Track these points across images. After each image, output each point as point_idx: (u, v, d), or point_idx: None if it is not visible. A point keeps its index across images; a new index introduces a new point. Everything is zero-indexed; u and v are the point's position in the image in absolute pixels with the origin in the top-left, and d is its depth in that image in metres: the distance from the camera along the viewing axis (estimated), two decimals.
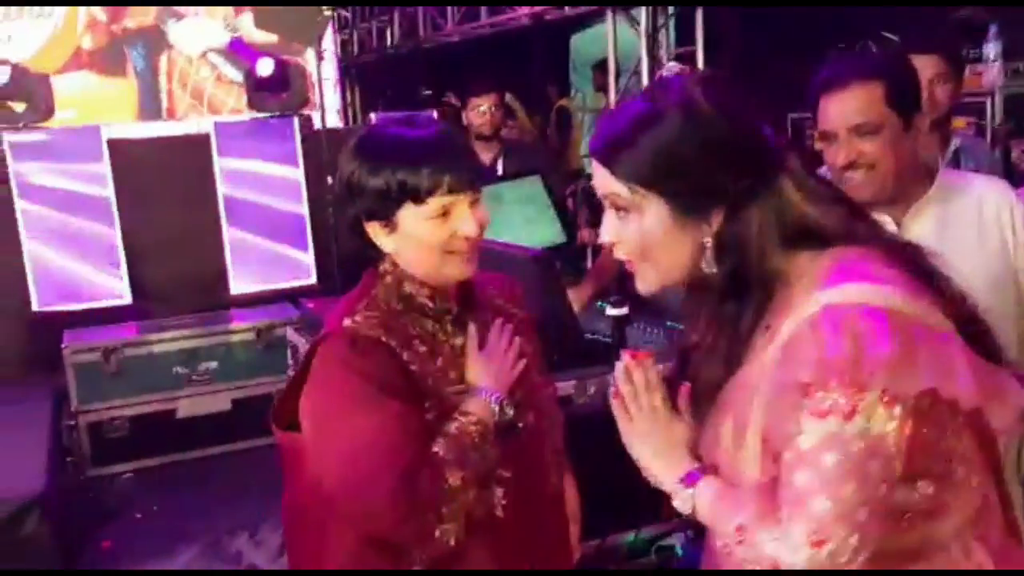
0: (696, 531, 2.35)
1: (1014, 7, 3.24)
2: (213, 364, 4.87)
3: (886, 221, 1.88)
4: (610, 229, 1.24)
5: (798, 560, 1.07)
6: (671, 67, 3.12)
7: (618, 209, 1.22)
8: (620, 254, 1.25)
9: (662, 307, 2.84)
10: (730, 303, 1.22)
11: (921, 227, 1.92)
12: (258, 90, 5.70)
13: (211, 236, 5.39)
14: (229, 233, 5.43)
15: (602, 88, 7.12)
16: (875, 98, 1.85)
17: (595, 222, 3.73)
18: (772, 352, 1.13)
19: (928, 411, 1.07)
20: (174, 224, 5.29)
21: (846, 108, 1.86)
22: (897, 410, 1.04)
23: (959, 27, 3.41)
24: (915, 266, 1.16)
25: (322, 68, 6.32)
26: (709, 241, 1.20)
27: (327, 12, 5.19)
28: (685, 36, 5.18)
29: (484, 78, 4.25)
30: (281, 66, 5.68)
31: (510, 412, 1.57)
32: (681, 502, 1.25)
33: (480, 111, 4.14)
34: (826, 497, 1.05)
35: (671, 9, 5.20)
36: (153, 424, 4.66)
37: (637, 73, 5.19)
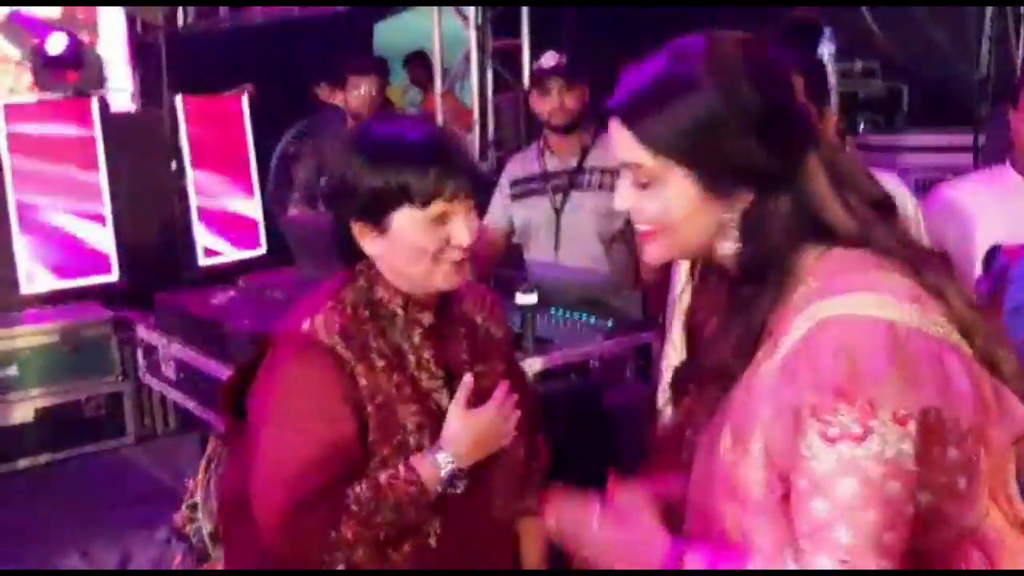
0: None
1: (842, 7, 3.54)
2: (11, 371, 4.38)
3: None
4: (626, 196, 1.17)
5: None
6: (550, 55, 3.12)
7: (638, 180, 1.15)
8: (637, 222, 1.19)
9: (570, 296, 2.88)
10: (747, 288, 1.16)
11: None
12: (47, 68, 5.19)
13: None
14: (20, 227, 4.90)
15: (417, 82, 7.07)
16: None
17: None
18: (770, 367, 1.09)
19: (934, 426, 1.04)
20: None
21: None
22: (911, 427, 1.01)
23: (793, 28, 3.66)
24: (924, 273, 1.12)
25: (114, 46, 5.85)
26: (733, 220, 1.14)
27: None
28: (510, 29, 5.23)
29: (361, 59, 4.09)
30: (74, 42, 5.21)
31: (460, 488, 1.49)
32: None
33: (358, 93, 3.97)
34: (847, 527, 1.01)
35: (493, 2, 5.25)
36: None
37: (466, 66, 5.20)
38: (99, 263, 5.18)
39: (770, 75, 1.13)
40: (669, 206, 1.14)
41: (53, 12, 6.08)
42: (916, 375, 1.02)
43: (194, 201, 5.23)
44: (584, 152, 3.15)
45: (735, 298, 1.19)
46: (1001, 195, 2.33)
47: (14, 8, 5.80)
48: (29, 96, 5.60)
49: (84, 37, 5.85)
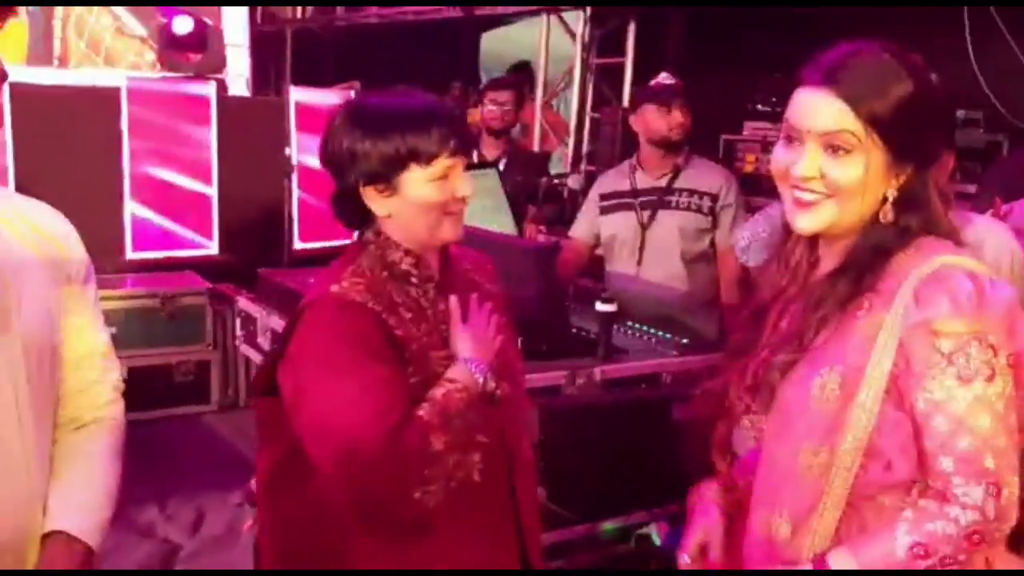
0: (673, 522, 2.45)
1: (950, 56, 3.55)
2: (111, 330, 4.62)
3: None
4: (813, 165, 1.29)
5: (990, 511, 1.20)
6: (666, 76, 3.22)
7: (835, 148, 1.28)
8: (817, 187, 1.30)
9: (647, 311, 2.95)
10: (863, 251, 1.32)
11: None
12: (171, 48, 5.46)
13: (111, 197, 5.12)
14: (130, 195, 5.18)
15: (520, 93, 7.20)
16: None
17: (541, 219, 3.81)
18: (899, 301, 1.25)
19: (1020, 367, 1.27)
20: (72, 180, 4.98)
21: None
22: (1012, 371, 1.24)
23: None
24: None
25: (234, 32, 6.13)
26: (893, 194, 1.31)
27: None
28: (615, 48, 5.32)
29: (503, 76, 4.25)
30: (199, 26, 5.47)
31: (492, 383, 1.61)
32: None
33: (493, 107, 4.13)
34: (992, 455, 1.20)
35: (602, 21, 5.34)
36: None
37: (569, 80, 5.31)
38: (201, 237, 5.44)
39: (936, 79, 1.34)
40: (860, 173, 1.28)
41: None
42: (1016, 325, 1.25)
43: (296, 189, 5.45)
44: (676, 172, 3.22)
45: (849, 262, 1.33)
46: None
47: None
48: (151, 73, 5.91)
49: (208, 21, 6.13)
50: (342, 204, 1.65)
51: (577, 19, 5.17)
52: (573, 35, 5.19)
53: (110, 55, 6.45)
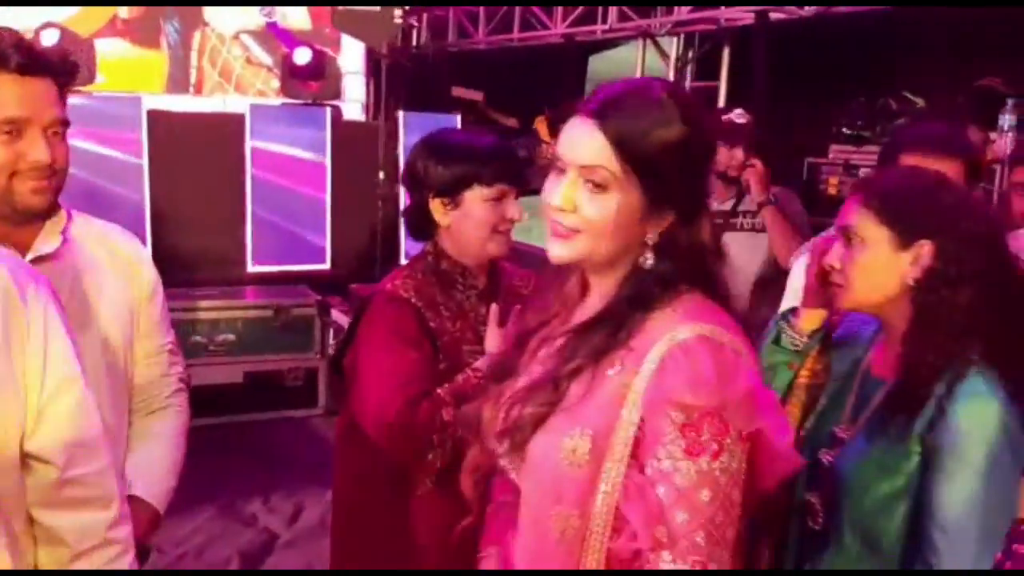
0: None
1: None
2: (230, 336, 5.05)
3: None
4: (568, 196, 1.23)
5: None
6: (739, 113, 3.35)
7: (593, 182, 1.22)
8: (568, 221, 1.24)
9: None
10: (624, 302, 1.26)
11: None
12: (292, 77, 5.89)
13: (235, 214, 5.58)
14: (252, 213, 5.62)
15: None
16: (958, 175, 2.05)
17: None
18: (646, 366, 1.20)
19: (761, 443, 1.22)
20: (200, 198, 5.47)
21: None
22: (745, 447, 1.19)
23: (978, 96, 3.68)
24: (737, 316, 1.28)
25: (351, 61, 6.54)
26: (654, 239, 1.25)
27: (398, 19, 5.39)
28: (710, 71, 5.44)
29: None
30: (317, 56, 5.87)
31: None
32: None
33: None
34: (704, 533, 1.17)
35: (698, 43, 5.47)
36: None
37: None
38: (314, 253, 5.84)
39: (709, 126, 1.30)
40: (614, 211, 1.21)
41: (304, 25, 6.88)
42: (759, 402, 1.21)
43: (403, 207, 5.77)
44: (740, 197, 3.35)
45: (607, 311, 1.28)
46: None
47: (270, 18, 6.62)
48: (274, 99, 6.38)
49: (328, 51, 6.56)
50: (413, 215, 1.99)
51: (671, 43, 5.32)
52: (667, 58, 5.33)
53: (240, 83, 6.98)
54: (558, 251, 1.25)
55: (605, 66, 7.72)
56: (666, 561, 1.18)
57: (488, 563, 1.44)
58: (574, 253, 1.25)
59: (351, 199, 5.83)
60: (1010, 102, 3.53)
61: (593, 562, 1.23)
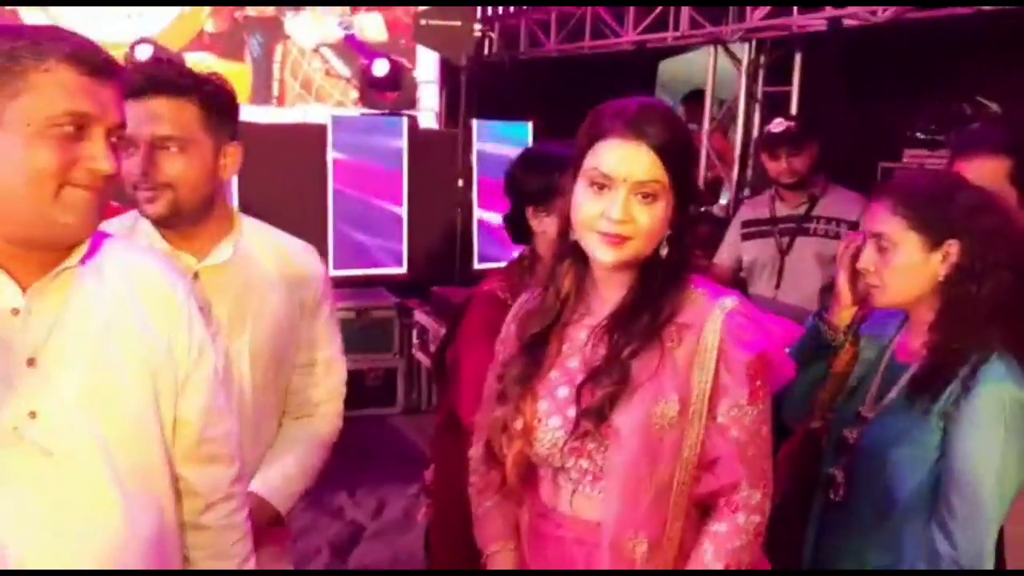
0: None
1: None
2: None
3: None
4: (629, 210, 1.40)
5: (766, 510, 1.46)
6: (778, 123, 3.43)
7: (646, 195, 1.40)
8: (624, 231, 1.41)
9: None
10: (655, 284, 1.46)
11: None
12: (371, 87, 6.11)
13: (316, 220, 5.79)
14: (333, 219, 5.83)
15: (692, 120, 7.45)
16: (999, 171, 2.15)
17: (696, 243, 4.06)
18: (709, 335, 1.42)
19: None
20: (283, 205, 5.68)
21: (972, 176, 2.14)
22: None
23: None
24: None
25: (426, 71, 6.72)
26: (668, 232, 1.45)
27: (478, 32, 5.56)
28: (782, 76, 5.47)
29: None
30: (395, 68, 6.08)
31: None
32: None
33: None
34: (767, 459, 1.47)
35: (770, 49, 5.50)
36: None
37: (732, 108, 5.52)
38: (392, 257, 6.03)
39: None
40: (661, 218, 1.43)
41: (380, 36, 7.08)
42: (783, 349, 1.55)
43: (476, 212, 5.95)
44: (813, 201, 3.42)
45: (639, 294, 1.48)
46: None
47: (348, 31, 6.84)
48: (353, 110, 6.60)
49: (405, 61, 6.76)
50: (511, 222, 2.17)
51: (742, 48, 5.37)
52: (739, 63, 5.38)
53: (320, 94, 7.20)
54: (612, 256, 1.43)
55: (680, 69, 7.78)
56: (744, 490, 1.43)
57: None
58: (625, 256, 1.43)
59: (427, 204, 6.00)
60: None
61: (680, 512, 1.44)
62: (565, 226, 1.51)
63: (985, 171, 2.13)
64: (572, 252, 1.52)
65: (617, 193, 1.41)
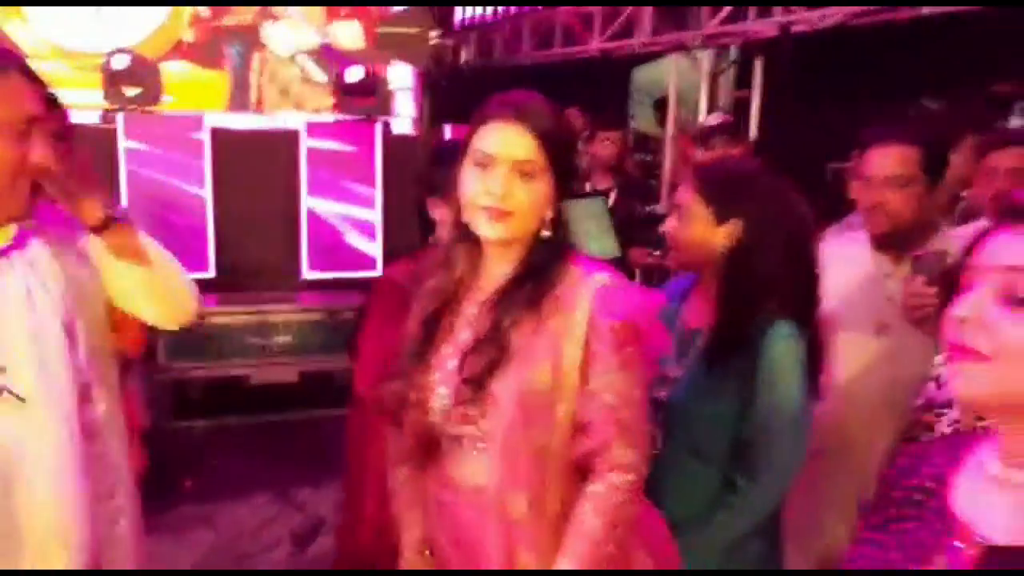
0: None
1: None
2: (286, 338, 5.36)
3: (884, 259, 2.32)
4: (509, 186, 1.52)
5: (642, 469, 1.57)
6: (715, 116, 3.57)
7: (524, 174, 1.52)
8: (505, 205, 1.52)
9: None
10: (541, 261, 1.58)
11: None
12: (345, 94, 6.21)
13: (290, 224, 5.91)
14: (306, 223, 5.94)
15: (663, 124, 7.60)
16: (910, 159, 2.24)
17: (645, 243, 4.19)
18: (581, 305, 1.52)
19: None
20: (259, 209, 5.80)
21: (885, 162, 2.25)
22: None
23: (990, 100, 3.81)
24: None
25: (401, 78, 6.86)
26: (550, 214, 1.58)
27: (434, 40, 5.69)
28: (744, 80, 5.61)
29: (611, 115, 4.70)
30: (369, 75, 6.18)
31: None
32: None
33: (606, 144, 4.58)
34: (642, 421, 1.59)
35: (732, 55, 5.65)
36: (227, 387, 5.15)
37: (694, 111, 5.66)
38: (365, 261, 6.13)
39: None
40: (539, 195, 1.55)
41: (357, 44, 7.22)
42: (655, 325, 1.62)
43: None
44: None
45: (523, 270, 1.59)
46: None
47: (326, 39, 6.97)
48: (328, 116, 6.72)
49: (378, 70, 6.88)
50: (419, 215, 2.29)
51: (704, 55, 5.51)
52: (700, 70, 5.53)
53: (298, 100, 7.34)
54: (495, 231, 1.55)
55: (648, 76, 7.93)
56: (617, 449, 1.53)
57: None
58: (509, 231, 1.55)
59: (399, 210, 6.11)
60: (1017, 105, 3.66)
61: (557, 473, 1.54)
62: (458, 210, 1.61)
63: (897, 159, 2.24)
64: (465, 234, 1.62)
65: (498, 171, 1.52)
